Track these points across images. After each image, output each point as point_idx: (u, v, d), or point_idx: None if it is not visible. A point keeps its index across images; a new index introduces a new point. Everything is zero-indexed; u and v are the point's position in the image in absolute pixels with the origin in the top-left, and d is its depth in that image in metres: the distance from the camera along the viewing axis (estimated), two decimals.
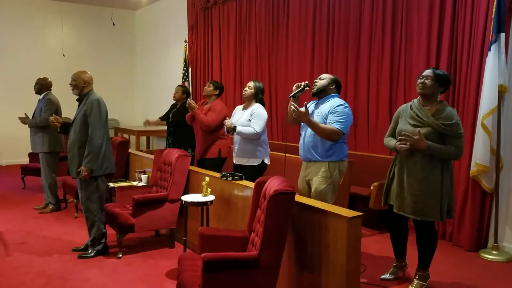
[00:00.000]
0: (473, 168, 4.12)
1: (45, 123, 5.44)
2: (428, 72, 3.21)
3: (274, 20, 6.69)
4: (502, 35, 3.96)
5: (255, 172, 4.07)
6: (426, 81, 3.17)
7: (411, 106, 3.29)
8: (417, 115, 3.19)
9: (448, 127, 3.08)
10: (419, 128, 3.11)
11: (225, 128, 4.19)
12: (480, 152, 4.05)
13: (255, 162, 4.16)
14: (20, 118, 5.78)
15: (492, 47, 3.96)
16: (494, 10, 3.94)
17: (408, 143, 3.10)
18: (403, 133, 3.15)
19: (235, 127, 4.10)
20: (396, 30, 5.05)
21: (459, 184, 4.37)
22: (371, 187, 4.54)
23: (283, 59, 6.56)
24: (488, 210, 4.25)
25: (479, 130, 4.06)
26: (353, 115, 5.45)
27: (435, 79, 3.16)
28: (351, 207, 4.58)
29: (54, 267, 3.85)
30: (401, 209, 3.27)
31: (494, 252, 4.11)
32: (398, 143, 3.19)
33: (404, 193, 3.23)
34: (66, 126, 4.26)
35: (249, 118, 4.15)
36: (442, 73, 3.21)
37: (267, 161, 4.24)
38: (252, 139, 4.12)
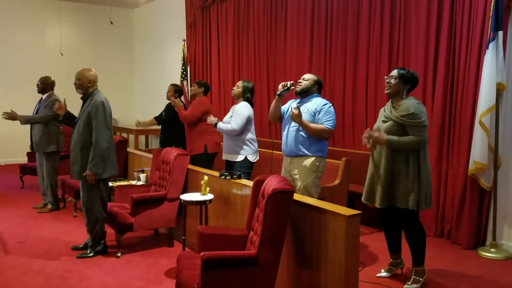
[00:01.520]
0: (471, 166, 4.12)
1: (42, 119, 5.39)
2: (393, 72, 3.40)
3: (272, 18, 6.69)
4: (500, 33, 3.97)
5: (239, 168, 4.28)
6: (391, 80, 3.36)
7: (386, 106, 3.48)
8: (386, 112, 3.39)
9: (405, 117, 3.23)
10: (383, 125, 3.32)
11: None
12: (478, 150, 4.06)
13: (237, 158, 4.36)
14: (5, 114, 5.40)
15: (490, 45, 3.96)
16: (492, 8, 3.94)
17: (370, 140, 3.30)
18: (366, 130, 3.35)
19: (216, 123, 4.38)
20: (394, 28, 5.05)
21: (458, 182, 4.38)
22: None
23: (281, 57, 6.55)
24: (487, 208, 4.26)
25: (477, 128, 4.07)
26: (352, 113, 5.55)
27: (398, 78, 3.33)
28: (349, 205, 4.58)
29: (53, 266, 3.85)
30: (374, 201, 3.40)
31: (492, 250, 4.12)
32: (363, 142, 3.38)
33: (376, 185, 3.38)
34: (69, 116, 4.17)
35: (231, 115, 4.36)
36: (406, 71, 3.38)
37: (251, 158, 4.39)
38: (230, 135, 4.35)
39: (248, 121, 4.32)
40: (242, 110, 4.32)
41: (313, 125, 3.56)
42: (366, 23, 5.32)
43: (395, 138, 3.22)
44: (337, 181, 4.46)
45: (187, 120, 4.95)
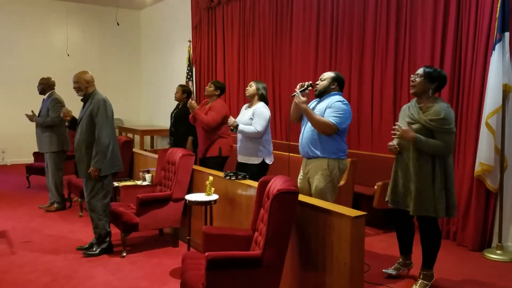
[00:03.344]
0: (478, 168, 4.11)
1: (53, 123, 5.47)
2: (419, 70, 3.29)
3: (278, 20, 6.69)
4: (507, 34, 3.95)
5: (256, 171, 4.14)
6: (416, 79, 3.25)
7: (409, 105, 3.38)
8: (411, 113, 3.27)
9: (434, 122, 3.12)
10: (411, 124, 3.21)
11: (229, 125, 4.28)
12: (484, 151, 4.04)
13: (256, 161, 4.24)
14: (27, 115, 5.72)
15: (497, 46, 3.94)
16: (498, 9, 3.93)
17: (397, 133, 3.20)
18: (396, 123, 3.25)
19: (237, 125, 4.17)
20: (400, 29, 5.04)
21: (463, 184, 4.36)
22: (375, 187, 4.53)
23: (286, 58, 6.56)
24: (493, 209, 4.24)
25: (483, 130, 4.05)
26: (357, 114, 5.52)
27: (424, 76, 3.22)
28: (355, 206, 4.57)
29: (59, 265, 3.87)
30: (399, 204, 3.35)
31: (498, 251, 4.10)
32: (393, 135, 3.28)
33: (400, 188, 3.32)
34: (75, 121, 4.22)
35: (251, 117, 4.21)
36: (433, 70, 3.26)
37: (268, 160, 4.29)
38: (253, 137, 4.18)
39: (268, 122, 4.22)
40: (264, 111, 4.20)
41: (317, 116, 3.41)
42: (372, 25, 5.31)
43: (422, 137, 3.11)
44: (342, 182, 4.45)
45: (210, 126, 4.66)
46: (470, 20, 4.32)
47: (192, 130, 5.25)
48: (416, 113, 3.23)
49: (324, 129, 3.42)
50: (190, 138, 5.44)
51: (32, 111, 5.75)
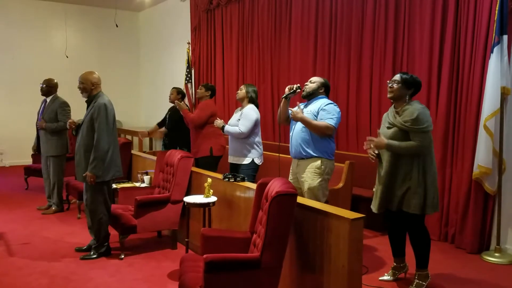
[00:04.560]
0: (476, 170, 4.11)
1: (65, 127, 5.43)
2: (395, 76, 3.38)
3: (277, 22, 6.70)
4: (505, 37, 3.96)
5: (245, 171, 4.30)
6: (393, 84, 3.34)
7: (388, 111, 3.48)
8: (389, 118, 3.38)
9: (407, 123, 3.21)
10: (388, 131, 3.32)
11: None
12: (482, 154, 4.05)
13: (244, 161, 4.39)
14: (38, 124, 5.61)
15: (495, 49, 3.95)
16: (496, 12, 3.94)
17: (371, 145, 3.33)
18: (367, 137, 3.38)
19: (223, 126, 4.38)
20: (399, 31, 5.05)
21: (462, 186, 4.37)
22: (373, 189, 4.53)
23: (285, 60, 6.56)
24: (491, 212, 4.25)
25: (481, 132, 4.06)
26: (356, 116, 5.55)
27: (401, 82, 3.31)
28: (353, 208, 4.56)
29: (58, 268, 3.87)
30: (381, 206, 3.41)
31: (496, 254, 4.10)
32: (365, 147, 3.42)
33: (380, 189, 3.40)
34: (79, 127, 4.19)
35: (239, 118, 4.38)
36: (409, 76, 3.36)
37: (257, 161, 4.42)
38: (238, 138, 4.36)
39: (255, 124, 4.35)
40: (250, 113, 4.35)
41: (315, 122, 3.57)
42: (371, 26, 5.32)
43: (395, 142, 3.22)
44: (340, 184, 4.46)
45: (194, 122, 4.94)
46: (469, 23, 4.33)
47: (185, 131, 5.34)
48: (392, 117, 3.34)
49: (324, 132, 3.56)
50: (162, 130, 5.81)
51: (43, 118, 5.58)
